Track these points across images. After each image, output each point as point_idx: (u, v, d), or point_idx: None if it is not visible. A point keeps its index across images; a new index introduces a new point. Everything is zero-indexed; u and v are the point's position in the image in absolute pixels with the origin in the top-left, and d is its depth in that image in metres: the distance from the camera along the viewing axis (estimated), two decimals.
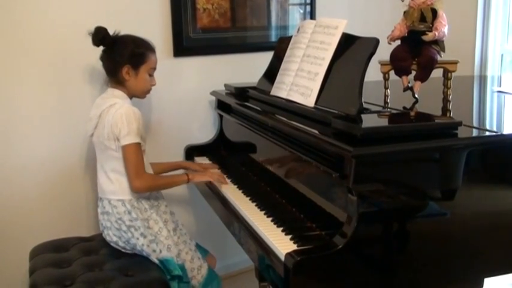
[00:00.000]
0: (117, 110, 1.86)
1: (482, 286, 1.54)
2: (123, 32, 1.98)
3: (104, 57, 1.98)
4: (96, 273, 1.82)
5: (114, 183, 1.92)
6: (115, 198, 1.91)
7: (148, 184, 1.91)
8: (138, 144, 1.87)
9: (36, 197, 2.28)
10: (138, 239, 1.88)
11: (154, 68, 2.02)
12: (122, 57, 1.94)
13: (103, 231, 1.98)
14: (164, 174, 2.18)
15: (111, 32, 1.95)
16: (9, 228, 2.24)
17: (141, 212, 1.92)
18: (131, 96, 2.01)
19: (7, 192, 2.21)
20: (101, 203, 1.98)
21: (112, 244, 1.96)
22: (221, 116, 2.50)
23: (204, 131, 2.62)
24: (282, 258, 1.36)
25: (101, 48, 1.98)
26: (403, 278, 1.45)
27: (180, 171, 2.24)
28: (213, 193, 2.06)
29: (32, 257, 1.95)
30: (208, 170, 2.15)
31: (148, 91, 2.05)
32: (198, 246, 2.12)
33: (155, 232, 1.91)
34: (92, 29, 1.94)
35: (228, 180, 2.08)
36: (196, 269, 1.98)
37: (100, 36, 1.93)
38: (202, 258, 2.03)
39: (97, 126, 1.93)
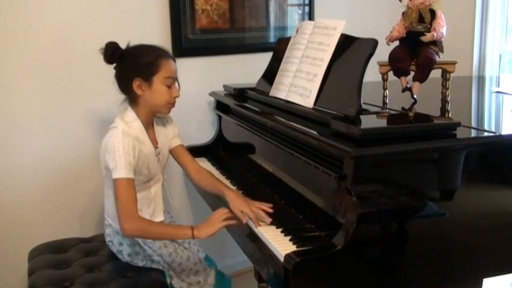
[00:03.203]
0: (110, 138, 1.70)
1: (481, 286, 1.54)
2: (123, 36, 1.79)
3: (116, 75, 1.78)
4: (96, 274, 1.82)
5: (109, 207, 1.84)
6: (108, 220, 1.86)
7: (138, 228, 1.65)
8: (128, 180, 1.66)
9: (36, 198, 2.28)
10: (129, 261, 1.85)
11: (172, 78, 1.77)
12: (131, 70, 1.73)
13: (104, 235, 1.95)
14: (164, 223, 1.91)
15: (123, 44, 1.77)
16: (8, 229, 2.24)
17: (133, 238, 1.82)
18: (149, 114, 1.80)
19: (6, 193, 2.21)
20: (104, 213, 1.91)
21: None
22: (220, 117, 2.50)
23: (202, 132, 2.63)
24: (282, 259, 1.36)
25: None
26: (402, 279, 1.45)
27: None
28: (212, 195, 2.05)
29: (31, 258, 1.95)
30: (213, 216, 1.73)
31: (170, 104, 1.80)
32: (206, 258, 2.06)
33: (147, 256, 1.85)
34: (102, 44, 1.75)
35: (227, 182, 2.09)
36: (203, 280, 1.93)
37: (109, 52, 1.73)
38: (208, 267, 1.95)
39: None
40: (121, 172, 1.66)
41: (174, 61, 1.81)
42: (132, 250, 1.85)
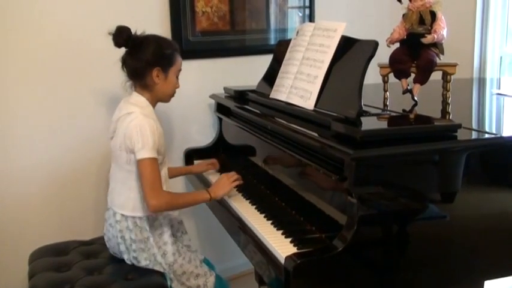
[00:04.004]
0: (131, 121, 1.76)
1: None
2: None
3: (129, 60, 1.84)
4: (96, 277, 1.81)
5: (121, 196, 1.85)
6: (119, 213, 1.85)
7: (165, 202, 1.77)
8: (154, 159, 1.75)
9: (36, 201, 2.27)
10: (132, 260, 1.85)
11: (180, 70, 1.93)
12: (151, 59, 1.81)
13: (104, 236, 1.95)
14: (183, 192, 2.08)
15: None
16: (9, 231, 2.23)
17: (141, 232, 1.84)
18: (156, 101, 1.91)
19: (7, 195, 2.21)
20: (107, 211, 1.92)
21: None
22: (220, 119, 2.50)
23: (203, 134, 2.63)
24: (282, 261, 1.36)
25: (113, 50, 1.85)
26: (403, 281, 1.45)
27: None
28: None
29: (32, 261, 1.94)
30: (223, 179, 1.93)
31: (173, 94, 1.94)
32: (206, 262, 2.07)
33: (151, 254, 1.85)
34: (112, 29, 1.82)
35: None
36: (202, 285, 1.92)
37: (124, 36, 1.81)
38: (208, 271, 1.96)
39: (115, 131, 1.85)
40: (148, 152, 1.74)
41: None
42: (138, 246, 1.84)
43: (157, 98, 1.90)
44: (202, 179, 2.27)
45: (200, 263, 1.97)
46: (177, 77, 1.91)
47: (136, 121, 1.76)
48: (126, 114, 1.81)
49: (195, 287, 1.91)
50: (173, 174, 2.16)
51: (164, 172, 1.90)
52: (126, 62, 1.85)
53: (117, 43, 1.82)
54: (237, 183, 1.92)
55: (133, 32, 1.84)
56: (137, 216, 1.84)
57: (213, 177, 2.19)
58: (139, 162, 1.75)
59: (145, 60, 1.82)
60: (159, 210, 1.83)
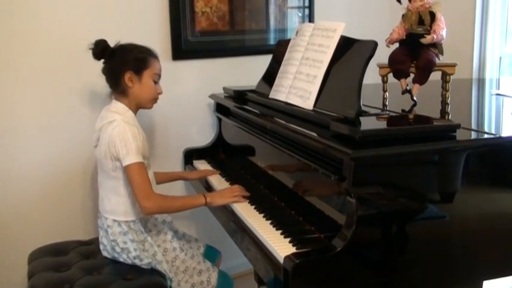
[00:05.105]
0: (113, 129, 1.78)
1: None
2: (123, 38, 1.90)
3: (106, 69, 1.89)
4: (95, 277, 1.81)
5: (111, 203, 1.86)
6: (111, 218, 1.85)
7: (158, 205, 1.80)
8: (141, 163, 1.77)
9: (35, 201, 2.28)
10: (133, 260, 1.84)
11: (159, 75, 1.92)
12: (123, 64, 1.84)
13: (100, 244, 1.93)
14: (179, 195, 2.07)
15: (112, 44, 1.88)
16: (8, 232, 2.23)
17: (136, 234, 1.85)
18: (137, 107, 1.91)
19: (6, 196, 2.21)
20: (99, 219, 1.93)
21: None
22: (220, 119, 2.50)
23: (202, 134, 2.63)
24: (281, 261, 1.36)
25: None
26: (402, 281, 1.45)
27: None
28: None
29: (31, 261, 1.94)
30: (227, 189, 1.94)
31: (154, 99, 1.94)
32: (208, 249, 2.09)
33: (151, 255, 1.85)
34: (92, 41, 1.87)
35: (227, 184, 2.08)
36: (206, 281, 1.93)
37: (100, 48, 1.86)
38: (211, 267, 1.97)
39: (99, 140, 1.86)
40: (133, 157, 1.75)
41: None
42: (138, 246, 1.84)
43: (135, 103, 1.90)
44: (206, 184, 2.24)
45: (203, 258, 1.98)
46: (155, 82, 1.90)
47: (118, 128, 1.78)
48: (108, 123, 1.82)
49: (199, 283, 1.92)
50: (162, 179, 2.14)
51: (150, 175, 1.90)
52: (104, 72, 1.90)
53: (95, 56, 1.88)
54: (235, 199, 1.86)
55: (117, 42, 1.88)
56: (130, 220, 1.85)
57: (218, 184, 2.15)
58: (126, 168, 1.76)
59: (117, 67, 1.85)
60: (153, 212, 1.85)
